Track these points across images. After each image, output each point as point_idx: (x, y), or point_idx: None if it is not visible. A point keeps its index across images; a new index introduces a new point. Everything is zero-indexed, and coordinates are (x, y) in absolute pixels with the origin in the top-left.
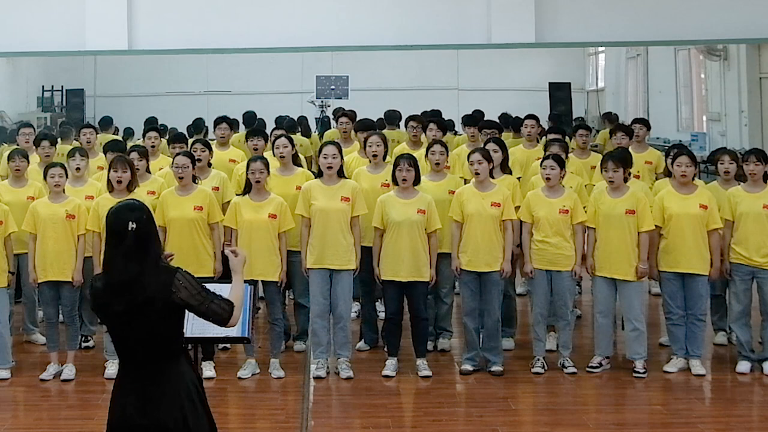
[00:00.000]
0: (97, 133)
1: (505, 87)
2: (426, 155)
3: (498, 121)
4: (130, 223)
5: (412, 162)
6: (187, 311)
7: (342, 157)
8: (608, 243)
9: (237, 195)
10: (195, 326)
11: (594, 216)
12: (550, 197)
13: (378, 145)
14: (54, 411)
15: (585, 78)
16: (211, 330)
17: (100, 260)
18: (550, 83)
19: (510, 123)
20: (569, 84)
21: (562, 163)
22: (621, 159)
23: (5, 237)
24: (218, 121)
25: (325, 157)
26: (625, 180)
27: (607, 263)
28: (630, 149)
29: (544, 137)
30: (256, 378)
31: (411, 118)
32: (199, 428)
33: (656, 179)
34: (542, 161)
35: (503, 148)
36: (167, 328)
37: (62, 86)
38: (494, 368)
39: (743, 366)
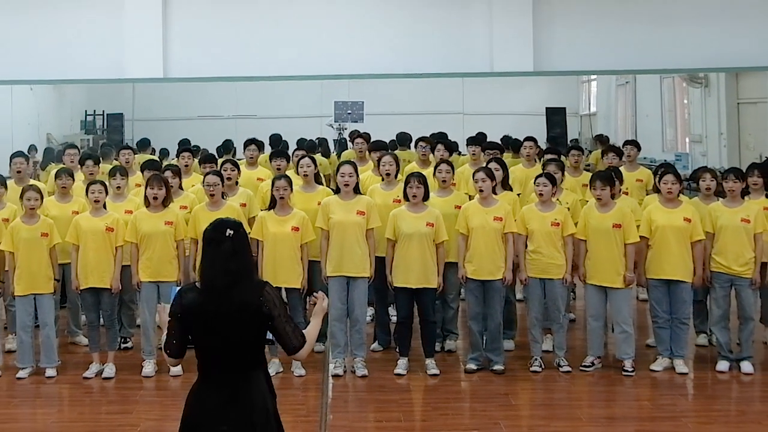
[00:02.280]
0: (135, 154)
1: (505, 111)
2: (434, 173)
3: (500, 142)
4: (228, 230)
5: (422, 180)
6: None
7: (357, 175)
8: (597, 254)
9: (262, 210)
10: None
11: (584, 229)
12: (542, 211)
13: (390, 165)
14: (95, 406)
15: (579, 103)
16: None
17: (137, 269)
18: (546, 108)
19: (510, 144)
20: (564, 109)
21: (553, 181)
22: (607, 178)
23: (51, 248)
24: (248, 143)
25: (342, 175)
26: (614, 196)
27: (596, 272)
28: (622, 168)
29: (542, 157)
30: (279, 376)
31: (421, 139)
32: None
33: (647, 195)
34: (536, 179)
35: (504, 167)
36: (253, 337)
37: (103, 111)
38: (496, 367)
39: (722, 365)
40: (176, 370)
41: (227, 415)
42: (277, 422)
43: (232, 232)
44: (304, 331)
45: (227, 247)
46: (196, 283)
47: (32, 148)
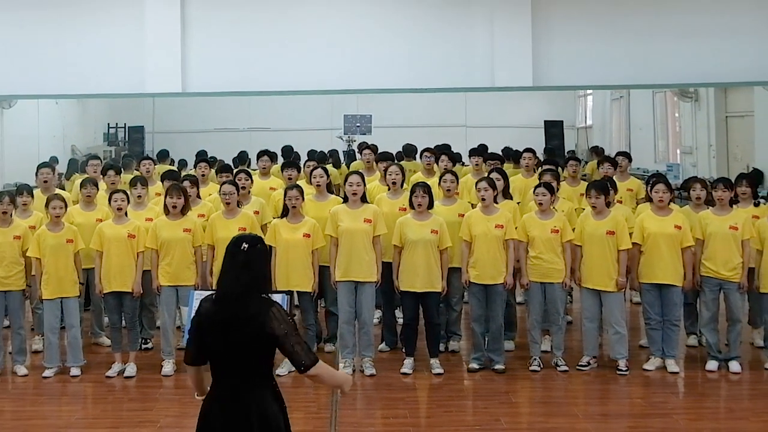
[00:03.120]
0: (155, 164)
1: (506, 124)
2: (439, 183)
3: (500, 153)
4: (244, 244)
5: (427, 189)
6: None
7: (365, 185)
8: (591, 259)
9: (275, 218)
10: None
11: (580, 235)
12: (542, 219)
13: (397, 174)
14: (118, 403)
15: (575, 116)
16: None
17: (157, 273)
18: (545, 121)
19: (511, 155)
20: (562, 122)
21: (552, 190)
22: (602, 187)
23: (75, 253)
24: (260, 154)
25: (350, 185)
26: (609, 205)
27: (591, 277)
28: (614, 178)
29: (540, 168)
30: (292, 375)
31: (426, 150)
32: None
33: (638, 204)
34: (535, 189)
35: (505, 177)
36: (258, 353)
37: (125, 123)
38: (497, 366)
39: (712, 365)
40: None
41: (231, 421)
42: (287, 429)
43: (247, 245)
44: (325, 368)
45: (241, 259)
46: (213, 295)
47: (53, 159)
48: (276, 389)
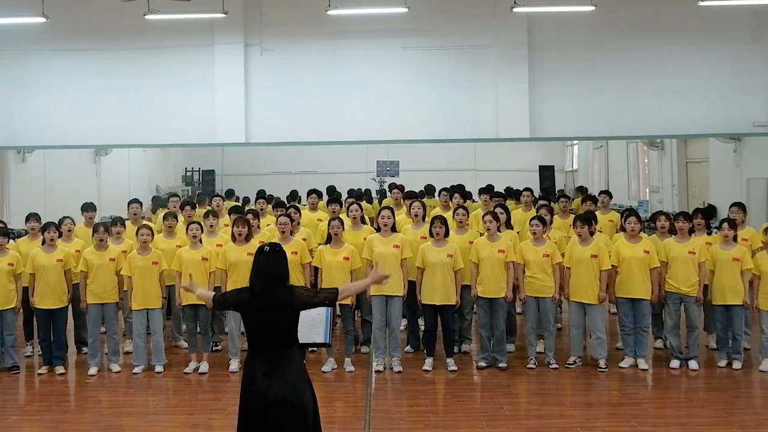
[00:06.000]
0: (223, 201)
1: (508, 168)
2: (453, 216)
3: (503, 192)
4: (266, 248)
5: (444, 221)
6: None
7: (394, 217)
8: (578, 278)
9: (320, 244)
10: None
11: (569, 258)
12: (536, 246)
13: (419, 209)
14: (193, 395)
15: (564, 162)
16: (304, 338)
17: (226, 289)
18: (539, 166)
19: (512, 193)
20: (553, 166)
21: (544, 222)
22: (585, 219)
23: (159, 273)
24: (310, 192)
25: (382, 218)
26: (591, 233)
27: (577, 292)
28: (598, 212)
29: (536, 204)
30: (334, 371)
31: (443, 189)
32: (305, 399)
33: (617, 233)
34: (530, 220)
35: (507, 211)
36: (287, 326)
37: (199, 168)
38: (501, 365)
39: (674, 363)
40: None
41: (273, 381)
42: (311, 388)
43: (267, 248)
44: (345, 285)
45: (263, 259)
46: (247, 287)
47: (155, 199)
48: (299, 349)
